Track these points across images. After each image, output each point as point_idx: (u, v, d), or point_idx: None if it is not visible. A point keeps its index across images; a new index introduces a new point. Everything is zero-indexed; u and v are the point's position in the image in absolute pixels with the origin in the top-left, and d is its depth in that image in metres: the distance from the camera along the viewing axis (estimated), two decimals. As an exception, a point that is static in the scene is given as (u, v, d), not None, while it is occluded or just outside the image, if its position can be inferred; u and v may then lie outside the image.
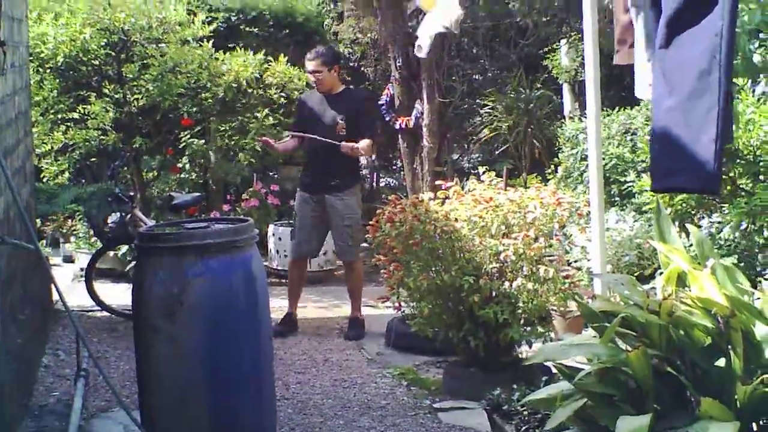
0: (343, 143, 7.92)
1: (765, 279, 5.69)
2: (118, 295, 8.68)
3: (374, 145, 8.51)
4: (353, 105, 8.20)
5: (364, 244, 8.44)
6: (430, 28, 8.46)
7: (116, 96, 9.59)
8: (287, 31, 12.15)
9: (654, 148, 4.34)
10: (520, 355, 6.37)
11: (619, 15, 5.72)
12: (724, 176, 6.23)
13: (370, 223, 6.61)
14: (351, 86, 8.52)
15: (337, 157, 7.94)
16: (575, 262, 7.74)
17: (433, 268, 6.20)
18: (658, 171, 4.30)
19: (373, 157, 11.00)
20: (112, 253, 9.39)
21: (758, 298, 3.98)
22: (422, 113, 11.56)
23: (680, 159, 4.07)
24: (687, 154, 4.04)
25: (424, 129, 11.47)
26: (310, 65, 8.14)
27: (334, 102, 8.14)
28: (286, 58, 10.31)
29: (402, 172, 13.05)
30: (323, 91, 8.18)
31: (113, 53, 9.50)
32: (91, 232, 10.03)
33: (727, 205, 6.32)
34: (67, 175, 10.56)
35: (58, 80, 9.58)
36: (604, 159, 7.33)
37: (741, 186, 6.23)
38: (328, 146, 7.89)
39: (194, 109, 9.73)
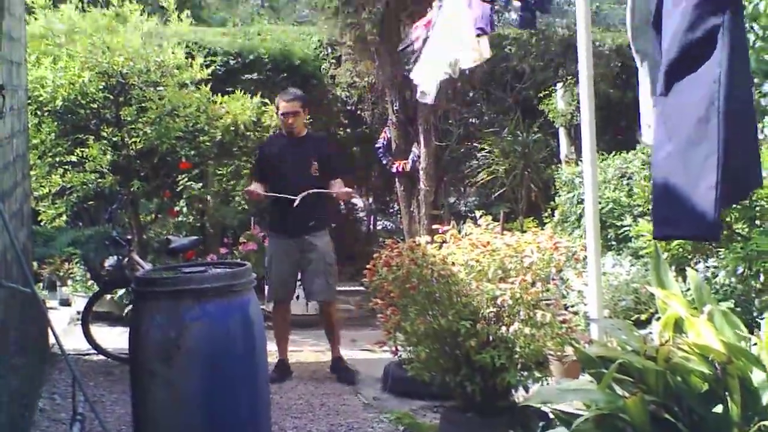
0: (341, 190, 8.02)
1: (761, 323, 5.70)
2: (115, 338, 8.67)
3: None
4: (322, 147, 8.23)
5: (360, 288, 8.44)
6: (431, 73, 8.47)
7: (114, 139, 9.62)
8: (285, 74, 12.21)
9: (654, 195, 4.36)
10: (517, 400, 6.35)
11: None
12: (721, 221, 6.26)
13: (367, 267, 6.60)
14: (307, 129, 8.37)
15: (314, 201, 7.86)
16: (572, 306, 7.73)
17: (430, 312, 6.19)
18: (659, 218, 4.31)
19: (370, 200, 10.87)
20: (108, 297, 9.39)
21: (755, 344, 3.98)
22: (419, 157, 11.62)
23: (679, 207, 4.08)
24: (686, 201, 4.05)
25: (421, 172, 11.52)
26: (289, 107, 7.99)
27: (303, 145, 8.07)
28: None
29: (399, 216, 13.09)
30: (295, 134, 8.07)
31: (111, 96, 9.54)
32: (88, 276, 10.03)
33: (723, 249, 6.34)
34: (64, 218, 10.57)
35: (56, 123, 9.62)
36: (600, 203, 7.36)
37: (737, 231, 6.25)
38: (305, 190, 7.74)
39: (192, 152, 9.77)
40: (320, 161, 7.97)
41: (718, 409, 3.67)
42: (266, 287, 10.07)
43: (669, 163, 4.13)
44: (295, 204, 7.68)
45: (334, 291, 8.14)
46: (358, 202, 14.03)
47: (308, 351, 8.92)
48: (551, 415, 4.33)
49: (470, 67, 8.16)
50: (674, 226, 4.22)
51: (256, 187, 8.00)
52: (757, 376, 3.72)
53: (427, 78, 8.59)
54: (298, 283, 8.24)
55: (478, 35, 7.45)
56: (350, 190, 8.15)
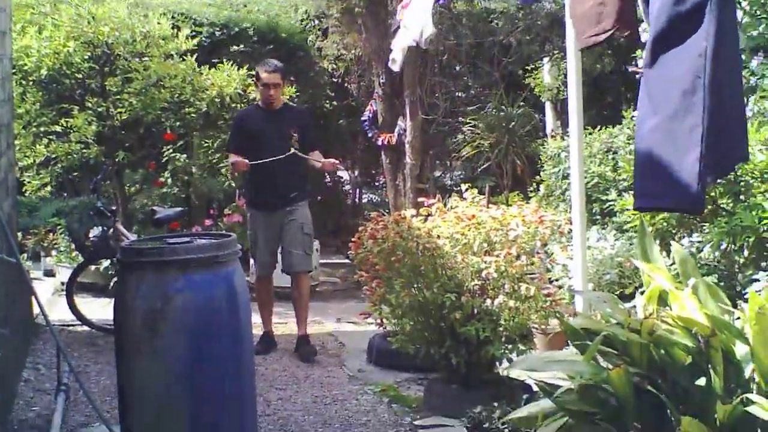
0: (326, 160, 8.00)
1: (744, 299, 5.72)
2: (99, 309, 8.66)
3: None
4: (301, 119, 8.13)
5: (346, 261, 8.45)
6: (402, 41, 8.50)
7: (99, 109, 9.56)
8: (271, 46, 12.13)
9: (637, 167, 4.36)
10: (501, 373, 6.38)
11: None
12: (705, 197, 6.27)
13: (352, 240, 6.61)
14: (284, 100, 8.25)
15: (294, 170, 7.84)
16: (556, 280, 7.76)
17: (415, 285, 6.20)
18: (641, 190, 4.32)
19: (356, 173, 10.79)
20: (93, 267, 9.37)
21: (738, 318, 4.01)
22: (405, 130, 11.63)
23: (664, 179, 4.08)
24: (671, 174, 4.05)
25: (407, 146, 11.53)
26: (271, 78, 7.86)
27: (281, 117, 7.95)
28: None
29: (384, 189, 13.09)
30: (273, 107, 7.96)
31: (96, 66, 9.49)
32: (73, 246, 10.01)
33: (707, 224, 6.36)
34: (49, 188, 10.53)
35: (41, 93, 9.56)
36: (585, 177, 7.37)
37: (721, 206, 6.27)
38: (287, 162, 7.66)
39: (177, 123, 9.72)
40: (300, 133, 7.87)
41: (702, 381, 3.69)
42: (251, 261, 10.09)
43: (653, 136, 4.14)
44: (287, 154, 7.63)
45: (310, 262, 8.07)
46: (344, 174, 14.00)
47: (293, 323, 8.90)
48: (535, 387, 4.35)
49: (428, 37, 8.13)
50: (657, 198, 4.23)
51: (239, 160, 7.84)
52: (740, 349, 3.74)
53: (397, 46, 8.63)
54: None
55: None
56: (335, 161, 8.16)
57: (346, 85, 13.60)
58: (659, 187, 4.14)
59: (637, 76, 8.33)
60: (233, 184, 10.38)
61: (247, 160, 7.73)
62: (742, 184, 6.08)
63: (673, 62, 4.05)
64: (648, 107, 4.19)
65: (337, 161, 8.05)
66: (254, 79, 8.22)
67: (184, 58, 9.73)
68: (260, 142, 7.80)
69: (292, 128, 7.82)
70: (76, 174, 10.97)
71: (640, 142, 4.29)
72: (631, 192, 7.46)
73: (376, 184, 14.41)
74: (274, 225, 7.88)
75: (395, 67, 8.90)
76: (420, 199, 6.84)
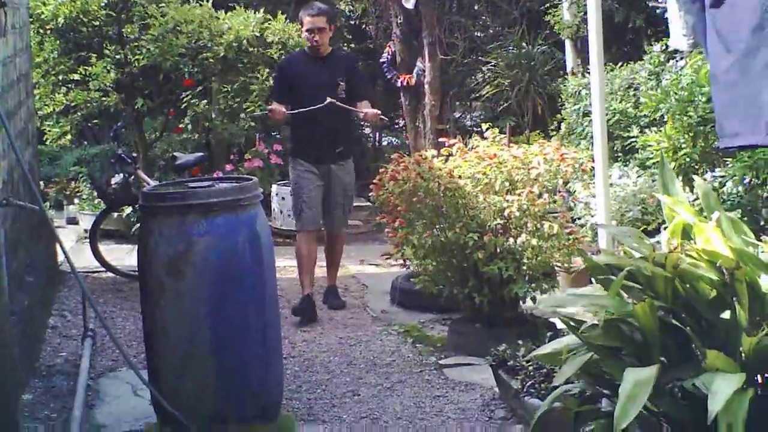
0: (369, 110, 7.47)
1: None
2: (123, 256, 8.71)
3: None
4: (348, 67, 7.66)
5: (367, 203, 8.42)
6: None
7: (117, 57, 9.54)
8: (288, -11, 12.07)
9: (717, 109, 4.30)
10: (524, 312, 6.39)
11: None
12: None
13: (374, 181, 6.59)
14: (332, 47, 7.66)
15: (342, 123, 7.51)
16: (579, 218, 7.74)
17: (437, 226, 6.20)
18: (723, 131, 4.25)
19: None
20: (116, 215, 9.40)
21: (763, 251, 3.98)
22: (424, 71, 11.57)
23: (742, 117, 4.02)
24: (749, 111, 3.99)
25: (426, 86, 11.49)
26: (314, 22, 7.31)
27: (328, 64, 7.47)
28: (285, 15, 10.23)
29: (404, 131, 13.05)
30: (320, 53, 7.45)
31: (113, 14, 9.44)
32: (95, 194, 10.04)
33: (730, 159, 6.32)
34: (69, 137, 10.56)
35: (58, 41, 9.53)
36: (606, 114, 7.32)
37: (745, 140, 6.21)
38: (333, 113, 7.22)
39: (195, 69, 9.69)
40: (348, 82, 7.45)
41: (726, 314, 3.68)
42: (273, 206, 10.08)
43: (729, 75, 4.07)
44: (325, 103, 7.12)
45: (347, 221, 7.88)
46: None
47: (317, 267, 8.93)
48: (559, 325, 4.35)
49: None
50: (739, 137, 4.16)
51: (276, 107, 7.39)
52: (765, 282, 3.71)
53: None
54: None
55: None
56: (378, 111, 7.62)
57: (363, 26, 13.52)
58: (739, 126, 4.08)
59: (657, 10, 8.26)
60: (253, 125, 10.32)
61: (284, 109, 7.35)
62: (765, 117, 6.02)
63: (742, 1, 3.97)
64: (719, 47, 4.12)
65: (379, 111, 7.60)
66: (300, 24, 7.64)
67: (201, 2, 9.68)
68: (304, 90, 7.37)
69: (339, 76, 7.41)
70: (96, 122, 11.01)
71: (716, 83, 4.22)
72: (653, 128, 7.42)
73: (396, 126, 14.35)
74: (318, 178, 7.43)
75: (409, 5, 8.83)
76: (440, 140, 6.82)
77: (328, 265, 7.80)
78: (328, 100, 7.14)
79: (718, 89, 4.19)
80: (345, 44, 13.16)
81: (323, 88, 7.26)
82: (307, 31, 7.39)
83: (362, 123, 11.77)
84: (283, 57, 9.19)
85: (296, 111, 7.29)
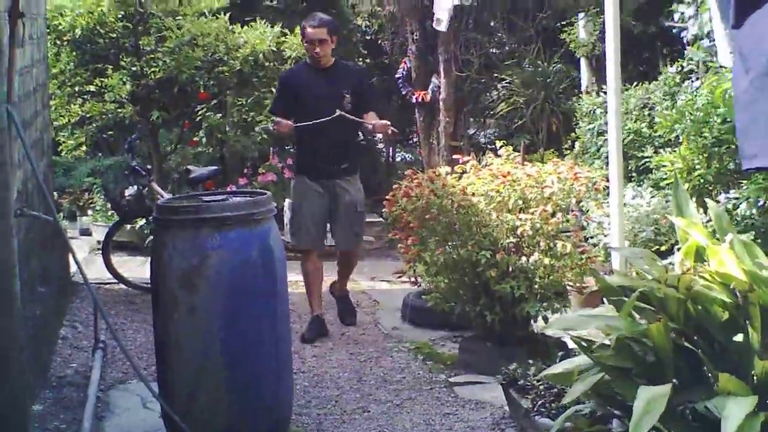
0: (378, 121, 7.15)
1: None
2: (135, 267, 8.72)
3: None
4: (354, 79, 7.35)
5: (380, 219, 8.40)
6: (445, 2, 8.41)
7: (133, 69, 9.57)
8: (304, 3, 12.08)
9: (737, 129, 4.28)
10: (536, 331, 6.37)
11: None
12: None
13: (387, 197, 6.60)
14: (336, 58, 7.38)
15: (349, 138, 7.34)
16: (592, 237, 7.72)
17: (450, 243, 6.20)
18: (744, 152, 4.23)
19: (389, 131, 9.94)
20: (129, 226, 9.42)
21: (776, 274, 3.97)
22: (439, 87, 11.58)
23: (762, 135, 3.99)
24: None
25: (441, 103, 11.49)
26: (315, 33, 7.05)
27: (332, 76, 7.20)
28: (302, 30, 10.25)
29: (418, 147, 13.04)
30: (321, 65, 7.17)
31: (130, 26, 9.49)
32: (109, 205, 10.06)
33: (745, 181, 6.29)
34: (84, 148, 10.60)
35: (75, 53, 9.57)
36: (621, 134, 7.30)
37: (759, 162, 6.19)
38: (339, 127, 6.97)
39: (211, 82, 9.72)
40: (354, 94, 7.16)
41: (739, 337, 3.67)
42: (285, 221, 10.07)
43: (748, 95, 4.06)
44: (334, 116, 6.87)
45: (360, 239, 7.58)
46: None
47: (328, 282, 8.92)
48: (571, 345, 4.34)
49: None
50: (758, 158, 4.13)
51: (283, 121, 7.11)
52: (778, 305, 3.71)
53: (442, 7, 8.54)
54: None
55: None
56: (387, 122, 7.25)
57: (379, 42, 13.53)
58: (759, 145, 4.05)
59: (674, 30, 8.25)
60: (266, 138, 10.32)
61: (289, 122, 7.04)
62: (780, 139, 6.00)
63: (762, 20, 3.96)
64: (740, 67, 4.10)
65: (389, 123, 7.25)
66: (301, 35, 7.42)
67: (217, 16, 9.71)
68: (307, 103, 7.10)
69: (344, 89, 7.11)
70: (110, 133, 11.03)
71: (738, 104, 4.20)
72: (668, 149, 7.41)
73: (410, 142, 14.35)
74: (322, 195, 7.19)
75: (441, 28, 8.82)
76: (454, 157, 6.81)
77: (340, 276, 7.68)
78: (338, 112, 6.91)
79: (739, 109, 4.17)
80: (360, 59, 13.16)
81: (327, 100, 7.03)
82: (307, 42, 7.16)
83: (374, 137, 11.70)
84: (285, 70, 9.10)
85: (303, 124, 7.00)
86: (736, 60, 4.19)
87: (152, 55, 9.54)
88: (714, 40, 6.55)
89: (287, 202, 10.20)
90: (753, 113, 4.00)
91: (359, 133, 7.61)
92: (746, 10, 4.03)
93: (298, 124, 7.02)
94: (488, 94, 12.31)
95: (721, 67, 6.67)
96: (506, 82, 11.91)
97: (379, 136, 10.71)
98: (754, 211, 6.17)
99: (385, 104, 12.88)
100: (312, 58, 7.20)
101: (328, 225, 7.41)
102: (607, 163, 6.20)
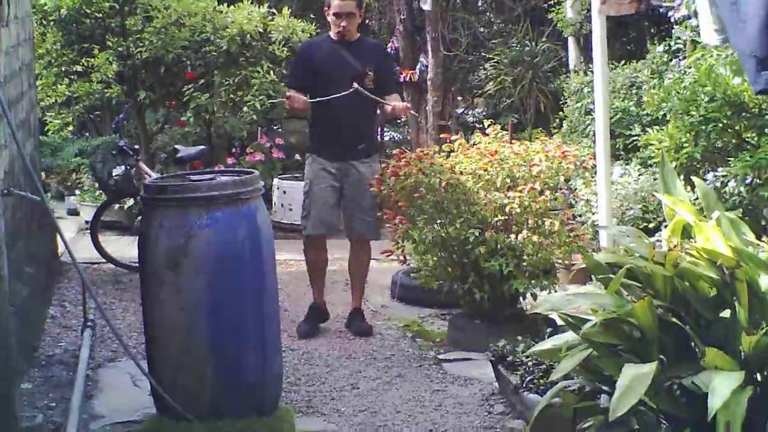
0: (399, 103, 6.79)
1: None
2: (123, 247, 8.70)
3: None
4: (377, 55, 6.89)
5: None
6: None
7: (120, 48, 9.53)
8: (292, -16, 12.06)
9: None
10: (524, 308, 6.39)
11: None
12: (729, 130, 6.22)
13: (375, 177, 6.59)
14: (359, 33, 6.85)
15: (367, 117, 6.83)
16: (580, 216, 7.74)
17: (438, 221, 6.20)
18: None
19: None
20: (117, 206, 9.40)
21: (763, 251, 3.99)
22: (427, 67, 11.56)
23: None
24: None
25: (429, 83, 11.49)
26: (344, 6, 6.57)
27: (355, 51, 6.71)
28: (290, 10, 10.23)
29: (406, 126, 13.04)
30: (345, 39, 6.68)
31: (116, 5, 9.44)
32: (96, 185, 10.03)
33: (732, 158, 6.31)
34: (71, 128, 10.58)
35: (61, 33, 9.53)
36: (609, 112, 7.31)
37: (746, 139, 6.21)
38: (357, 105, 6.56)
39: (198, 62, 9.69)
40: (377, 72, 6.68)
41: (726, 313, 3.69)
42: (274, 199, 10.05)
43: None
44: (350, 90, 6.45)
45: (377, 229, 6.94)
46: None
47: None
48: (559, 322, 4.35)
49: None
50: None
51: (296, 96, 6.66)
52: (765, 281, 3.72)
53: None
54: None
55: None
56: (409, 105, 7.06)
57: (367, 21, 13.48)
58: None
59: (661, 10, 8.26)
60: (255, 119, 10.28)
61: (304, 97, 6.62)
62: (767, 117, 6.02)
63: None
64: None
65: (409, 105, 7.07)
66: (324, 7, 6.79)
67: (204, -5, 9.68)
68: (329, 78, 6.60)
69: (368, 65, 6.66)
70: (97, 113, 11.02)
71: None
72: (656, 127, 7.41)
73: (398, 121, 14.34)
74: (337, 178, 6.70)
75: (426, 6, 8.78)
76: (442, 136, 6.81)
77: (353, 282, 7.00)
78: (354, 86, 6.47)
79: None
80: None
81: (350, 77, 6.56)
82: (334, 15, 6.61)
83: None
84: (304, 41, 8.74)
85: (318, 99, 6.55)
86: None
87: (139, 35, 9.49)
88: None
89: (275, 181, 10.21)
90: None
91: (377, 113, 7.12)
92: None
93: (313, 100, 6.60)
94: (476, 73, 12.30)
95: (677, 50, 6.71)
96: (494, 62, 11.90)
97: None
98: (741, 188, 6.19)
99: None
100: (336, 32, 6.67)
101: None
102: (595, 142, 6.22)
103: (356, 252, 6.93)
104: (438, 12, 11.35)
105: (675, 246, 3.94)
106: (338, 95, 6.47)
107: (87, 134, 12.16)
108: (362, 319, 6.79)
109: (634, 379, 3.37)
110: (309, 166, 6.83)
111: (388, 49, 11.93)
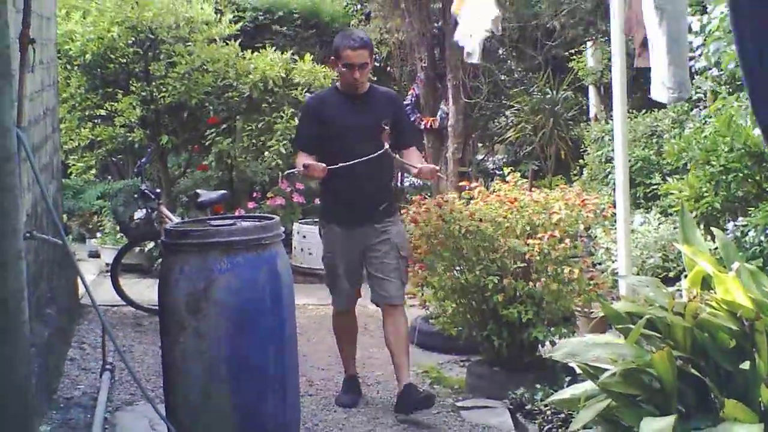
0: (425, 166, 6.10)
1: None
2: (144, 290, 8.73)
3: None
4: (391, 107, 6.17)
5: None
6: (476, 33, 8.42)
7: (143, 93, 9.64)
8: (314, 30, 12.17)
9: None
10: (543, 356, 6.37)
11: (643, 19, 5.70)
12: (749, 180, 6.23)
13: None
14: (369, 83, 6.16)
15: (385, 176, 6.19)
16: (599, 264, 7.73)
17: (458, 268, 6.21)
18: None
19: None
20: (138, 249, 9.45)
21: (783, 302, 3.97)
22: (447, 114, 11.62)
23: None
24: None
25: (449, 129, 11.53)
26: (357, 56, 5.89)
27: (367, 103, 6.06)
28: (312, 57, 10.33)
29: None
30: (357, 91, 6.05)
31: (140, 51, 9.57)
32: (117, 228, 10.09)
33: (752, 208, 6.31)
34: (93, 171, 10.67)
35: (85, 77, 9.66)
36: (629, 161, 7.33)
37: (766, 189, 6.21)
38: (377, 164, 5.87)
39: (221, 107, 9.77)
40: (393, 125, 5.97)
41: (746, 365, 3.67)
42: (293, 243, 10.05)
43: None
44: (381, 152, 5.78)
45: (403, 290, 6.13)
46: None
47: (329, 308, 8.89)
48: (578, 370, 4.34)
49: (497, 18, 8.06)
50: None
51: (304, 161, 5.85)
52: (784, 333, 3.71)
53: (471, 38, 8.54)
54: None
55: None
56: (435, 167, 6.36)
57: (388, 69, 13.57)
58: None
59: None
60: (280, 164, 10.34)
61: (323, 164, 5.76)
62: (788, 167, 6.03)
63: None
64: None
65: (437, 167, 6.36)
66: (332, 57, 6.18)
67: (227, 42, 9.78)
68: (341, 136, 5.93)
69: (383, 118, 5.93)
70: (120, 157, 11.11)
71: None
72: (675, 176, 7.43)
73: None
74: (358, 244, 6.01)
75: (474, 60, 8.78)
76: (462, 183, 6.82)
77: (396, 357, 6.01)
78: (386, 146, 5.82)
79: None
80: (369, 86, 13.19)
81: (364, 134, 5.90)
82: (344, 66, 5.93)
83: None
84: (310, 95, 8.05)
85: (341, 165, 5.74)
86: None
87: (162, 81, 9.61)
88: (723, 71, 6.57)
89: (295, 225, 10.23)
90: None
91: (393, 168, 6.54)
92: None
93: (334, 166, 5.75)
94: (496, 120, 12.35)
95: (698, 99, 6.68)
96: (515, 109, 11.96)
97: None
98: (762, 238, 6.19)
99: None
100: (349, 85, 6.03)
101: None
102: (615, 190, 6.23)
103: (391, 320, 6.04)
104: (459, 59, 11.42)
105: (695, 297, 3.93)
106: (365, 158, 5.77)
107: (109, 177, 12.25)
108: (418, 392, 5.84)
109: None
110: (325, 236, 6.15)
111: (409, 97, 11.99)
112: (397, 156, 6.11)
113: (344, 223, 6.01)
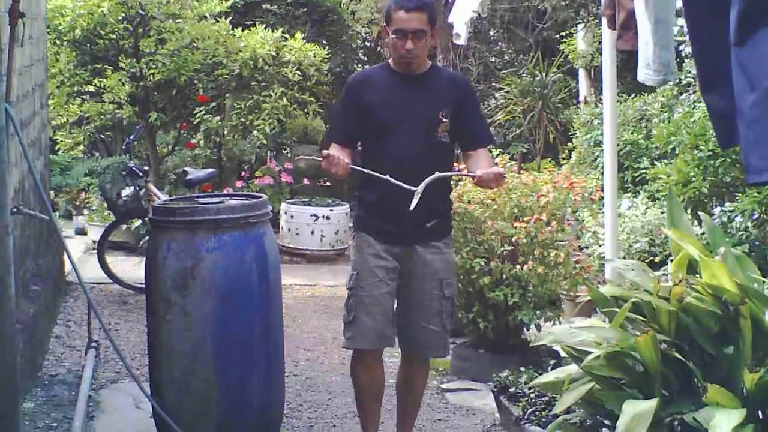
0: (492, 171, 4.50)
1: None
2: (130, 268, 8.71)
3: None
4: (455, 93, 4.68)
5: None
6: (463, 14, 8.43)
7: (132, 70, 9.60)
8: (304, 9, 12.13)
9: (743, 144, 4.31)
10: (528, 339, 6.39)
11: (624, 1, 5.67)
12: (737, 165, 6.23)
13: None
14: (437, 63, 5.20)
15: (440, 184, 4.49)
16: (586, 247, 7.74)
17: (445, 250, 6.20)
18: (749, 167, 4.25)
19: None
20: (125, 227, 9.43)
21: (768, 287, 3.99)
22: (437, 95, 11.56)
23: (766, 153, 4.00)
24: None
25: (439, 111, 11.47)
26: (410, 20, 4.46)
27: (425, 86, 4.65)
28: (303, 35, 10.30)
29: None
30: (413, 69, 4.62)
31: (130, 27, 9.51)
32: (105, 206, 10.07)
33: (739, 194, 6.32)
34: (81, 148, 10.63)
35: (74, 53, 9.61)
36: (618, 145, 7.33)
37: (755, 175, 6.21)
38: (427, 157, 4.51)
39: (210, 85, 9.74)
40: (454, 117, 4.60)
41: (730, 349, 3.68)
42: (281, 225, 10.02)
43: (753, 112, 4.07)
44: (412, 204, 4.24)
45: (446, 342, 4.85)
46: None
47: (322, 286, 8.93)
48: (562, 353, 4.35)
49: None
50: (765, 173, 4.14)
51: (336, 153, 4.48)
52: (769, 318, 3.72)
53: (460, 21, 8.54)
54: None
55: None
56: (502, 171, 4.58)
57: (379, 49, 13.55)
58: (764, 161, 4.06)
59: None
60: (265, 143, 10.32)
61: (346, 161, 4.46)
62: (776, 153, 6.03)
63: (765, 40, 3.98)
64: (744, 83, 4.12)
65: (503, 171, 4.64)
66: (383, 24, 5.16)
67: (218, 19, 9.74)
68: (389, 127, 4.58)
69: (442, 108, 4.58)
70: (108, 134, 11.07)
71: (743, 118, 4.22)
72: (664, 160, 7.43)
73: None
74: (394, 265, 4.65)
75: (461, 42, 8.78)
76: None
77: (402, 410, 5.01)
78: (437, 174, 4.36)
79: (744, 124, 4.18)
80: (359, 66, 13.18)
81: (417, 125, 4.58)
82: (395, 34, 4.52)
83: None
84: (355, 72, 6.91)
85: (365, 170, 4.50)
86: (738, 76, 4.20)
87: (152, 57, 9.56)
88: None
89: (283, 205, 10.23)
90: (757, 131, 4.00)
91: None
92: (751, 29, 4.05)
93: (359, 168, 4.53)
94: (486, 102, 12.34)
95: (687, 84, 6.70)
96: (504, 91, 11.94)
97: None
98: (748, 223, 6.20)
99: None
100: (400, 58, 4.59)
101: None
102: (604, 174, 6.23)
103: (410, 371, 4.96)
104: (449, 41, 11.40)
105: (680, 281, 3.94)
106: (399, 184, 4.35)
107: (97, 154, 12.21)
108: None
109: (635, 417, 3.37)
110: (355, 249, 4.74)
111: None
112: (457, 172, 4.86)
113: (379, 237, 4.64)
